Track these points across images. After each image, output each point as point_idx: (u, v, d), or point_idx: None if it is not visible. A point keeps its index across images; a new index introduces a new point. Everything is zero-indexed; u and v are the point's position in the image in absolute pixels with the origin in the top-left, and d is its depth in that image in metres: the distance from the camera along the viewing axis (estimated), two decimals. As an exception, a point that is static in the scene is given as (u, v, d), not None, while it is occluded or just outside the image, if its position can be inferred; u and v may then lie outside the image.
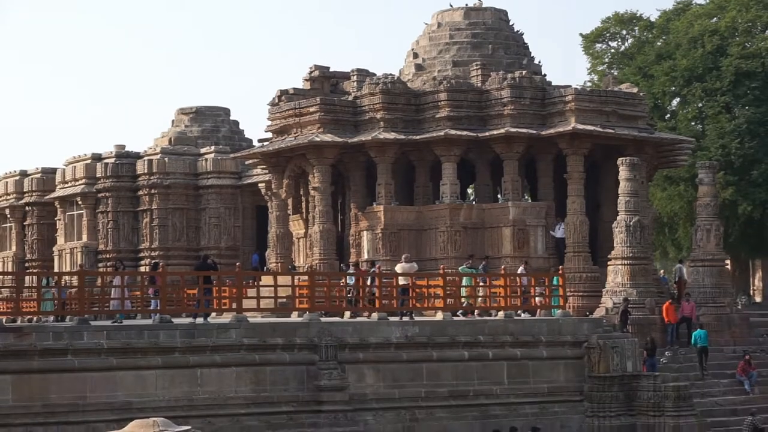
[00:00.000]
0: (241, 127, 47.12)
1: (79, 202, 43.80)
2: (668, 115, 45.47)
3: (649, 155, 34.17)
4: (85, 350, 19.72)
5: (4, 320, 21.74)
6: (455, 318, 26.11)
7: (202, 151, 42.69)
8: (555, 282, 27.25)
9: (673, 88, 44.72)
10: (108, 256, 40.63)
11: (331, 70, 36.70)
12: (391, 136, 31.67)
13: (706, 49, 43.43)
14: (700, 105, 43.73)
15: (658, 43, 47.76)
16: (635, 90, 36.50)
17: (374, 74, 35.54)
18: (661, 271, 39.34)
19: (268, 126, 36.82)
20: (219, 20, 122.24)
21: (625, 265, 29.21)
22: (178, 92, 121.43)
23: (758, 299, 46.21)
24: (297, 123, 34.52)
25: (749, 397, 27.43)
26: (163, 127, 48.18)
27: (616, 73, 43.20)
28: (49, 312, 22.59)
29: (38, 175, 48.35)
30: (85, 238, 42.82)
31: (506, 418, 23.45)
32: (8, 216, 49.01)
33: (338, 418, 21.87)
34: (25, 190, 48.25)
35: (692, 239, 33.85)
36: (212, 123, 44.87)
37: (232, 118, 46.32)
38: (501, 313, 26.41)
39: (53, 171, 45.87)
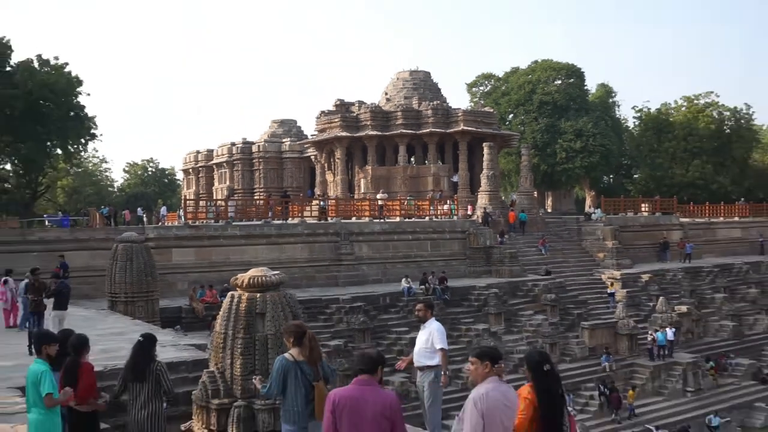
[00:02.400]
0: (302, 129, 60.20)
1: (225, 166, 58.06)
2: (508, 122, 58.12)
3: (498, 141, 46.24)
4: (229, 236, 29.70)
5: (190, 222, 31.95)
6: (405, 220, 36.85)
7: (284, 140, 56.36)
8: (452, 203, 39.97)
9: (509, 109, 58.93)
10: (238, 191, 53.74)
11: (345, 100, 48.23)
12: (374, 133, 45.09)
13: (525, 90, 57.96)
14: (522, 118, 57.27)
15: (503, 88, 60.62)
16: (491, 110, 49.31)
17: (366, 102, 48.14)
18: (513, 196, 47.10)
19: (315, 128, 49.09)
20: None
21: (486, 193, 40.36)
22: (272, 108, 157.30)
23: (549, 210, 57.40)
24: (329, 126, 46.98)
25: (544, 256, 38.84)
26: (263, 129, 61.25)
27: (482, 102, 55.75)
28: (211, 218, 32.95)
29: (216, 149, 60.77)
30: (227, 182, 56.99)
31: (429, 269, 32.47)
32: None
33: (349, 268, 32.29)
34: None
35: (519, 182, 45.52)
36: (288, 127, 58.69)
37: (297, 124, 59.78)
38: (426, 217, 37.98)
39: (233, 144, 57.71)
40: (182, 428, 9.87)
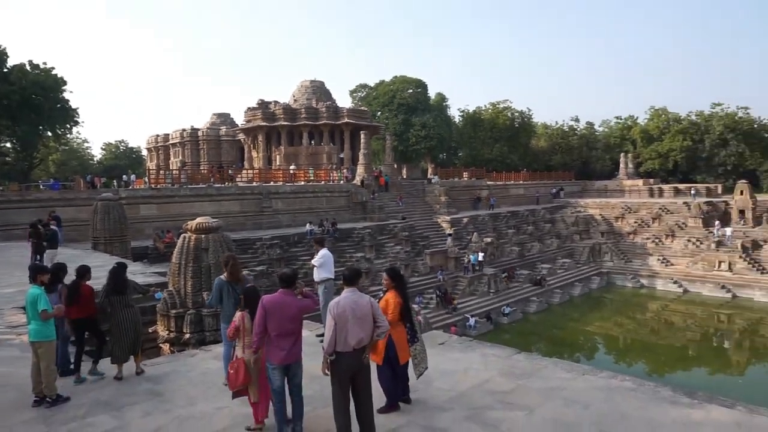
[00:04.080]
0: (234, 120, 56.46)
1: (178, 146, 54.57)
2: (377, 117, 55.86)
3: (371, 130, 45.95)
4: (182, 195, 28.64)
5: (153, 186, 30.38)
6: (308, 183, 36.67)
7: (221, 128, 53.75)
8: (340, 172, 39.47)
9: (378, 108, 57.78)
10: (188, 164, 50.04)
11: (265, 100, 46.43)
12: (285, 123, 44.01)
13: (388, 96, 57.51)
14: (386, 114, 56.69)
15: (374, 94, 59.74)
16: (366, 109, 49.48)
17: (279, 102, 46.73)
18: (380, 167, 43.33)
19: (244, 119, 47.21)
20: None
21: (363, 165, 38.86)
22: (213, 103, 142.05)
23: (404, 177, 51.77)
24: (253, 118, 45.20)
25: (401, 208, 38.23)
26: (206, 120, 56.82)
27: (360, 103, 55.98)
28: (169, 183, 31.45)
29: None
30: (180, 158, 53.37)
31: (324, 217, 32.36)
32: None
33: (269, 217, 31.96)
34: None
35: (384, 158, 44.72)
36: (224, 118, 55.92)
37: (231, 116, 56.87)
38: (323, 181, 38.15)
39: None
40: (149, 330, 9.59)
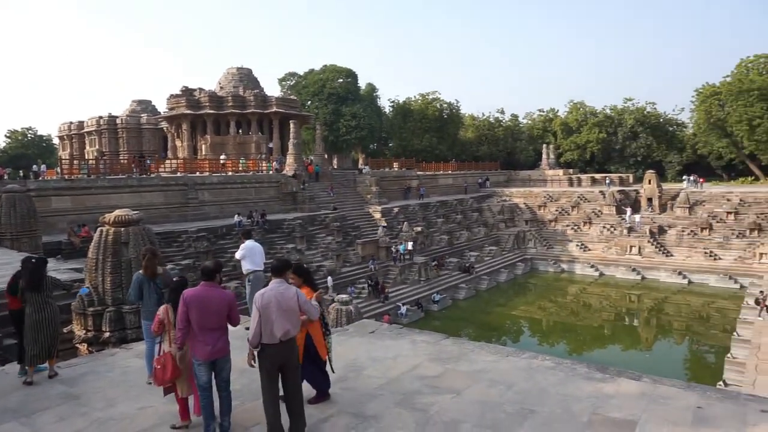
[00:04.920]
0: (156, 107, 54.28)
1: (94, 134, 51.43)
2: (307, 107, 55.46)
3: (300, 120, 44.61)
4: (99, 187, 27.08)
5: (66, 176, 27.71)
6: (236, 174, 35.19)
7: (142, 115, 51.08)
8: (269, 162, 38.55)
9: (308, 97, 56.95)
10: (106, 154, 46.86)
11: (189, 87, 44.23)
12: (212, 111, 42.31)
13: (318, 85, 56.61)
14: (317, 104, 55.97)
15: (303, 83, 58.85)
16: (295, 98, 48.37)
17: (205, 89, 44.94)
18: (311, 157, 43.08)
19: (167, 106, 44.92)
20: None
21: (293, 155, 37.64)
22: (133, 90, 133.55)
23: (335, 167, 52.95)
24: (177, 105, 43.09)
25: (332, 198, 37.50)
26: (125, 107, 56.89)
27: (290, 92, 54.59)
28: (84, 173, 28.80)
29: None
30: (97, 147, 50.52)
31: (253, 208, 31.64)
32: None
33: (195, 209, 30.81)
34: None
35: (315, 148, 44.05)
36: (145, 105, 53.59)
37: (153, 103, 54.57)
38: (251, 171, 36.80)
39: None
40: (65, 331, 9.02)
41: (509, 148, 71.41)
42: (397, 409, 5.30)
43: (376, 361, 6.71)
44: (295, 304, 4.72)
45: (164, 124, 47.71)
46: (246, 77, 46.55)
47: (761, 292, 26.48)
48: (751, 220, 37.34)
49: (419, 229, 37.58)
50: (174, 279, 5.73)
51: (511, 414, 5.10)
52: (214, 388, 4.90)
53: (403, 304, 29.49)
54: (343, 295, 22.19)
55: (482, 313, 31.62)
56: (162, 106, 48.69)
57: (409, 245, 34.07)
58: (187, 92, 43.39)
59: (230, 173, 35.39)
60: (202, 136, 43.93)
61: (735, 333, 22.73)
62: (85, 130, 53.09)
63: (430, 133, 64.78)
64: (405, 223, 36.64)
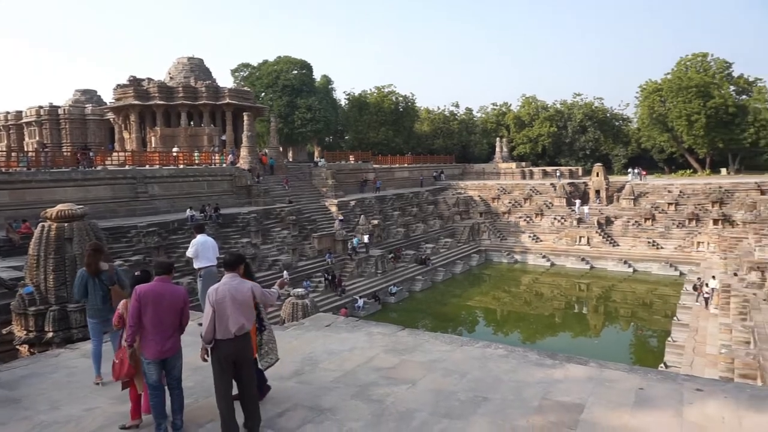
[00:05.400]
0: (102, 97, 52.69)
1: (34, 125, 49.25)
2: (261, 99, 54.31)
3: (254, 112, 43.33)
4: (40, 180, 25.62)
5: (3, 169, 25.62)
6: (188, 167, 34.57)
7: (87, 105, 49.20)
8: (222, 155, 37.37)
9: (262, 89, 55.78)
10: (48, 146, 42.56)
11: (137, 76, 42.88)
12: (161, 102, 40.95)
13: (272, 77, 55.71)
14: (271, 96, 55.12)
15: (257, 74, 57.46)
16: (249, 90, 47.35)
17: (154, 79, 43.74)
18: (265, 150, 41.08)
19: (113, 97, 43.30)
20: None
21: (246, 148, 37.30)
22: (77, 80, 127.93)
23: (290, 160, 53.43)
24: (124, 96, 41.49)
25: (287, 191, 37.06)
26: (68, 97, 55.01)
27: (243, 84, 53.37)
28: (23, 166, 27.35)
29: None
30: (37, 138, 48.26)
31: (207, 202, 30.92)
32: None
33: (145, 203, 29.58)
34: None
35: (269, 140, 42.28)
36: (90, 95, 51.17)
37: (98, 93, 52.46)
38: (203, 165, 35.76)
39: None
40: (3, 332, 8.61)
41: (464, 141, 72.43)
42: (353, 401, 5.33)
43: (332, 354, 6.70)
44: (250, 298, 4.67)
45: (111, 115, 46.09)
46: (197, 68, 45.36)
47: (699, 278, 28.02)
48: (690, 211, 39.24)
49: (376, 222, 37.64)
50: (135, 273, 5.52)
51: (464, 402, 5.20)
52: (167, 387, 4.79)
53: (360, 297, 29.51)
54: (299, 289, 21.90)
55: (438, 304, 32.03)
56: (108, 97, 47.17)
57: (365, 238, 34.07)
58: (135, 82, 41.93)
59: (182, 166, 34.47)
60: (152, 127, 42.55)
61: (675, 318, 23.98)
62: (24, 120, 50.65)
63: (386, 126, 64.90)
64: (362, 216, 36.61)
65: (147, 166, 33.13)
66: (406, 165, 55.89)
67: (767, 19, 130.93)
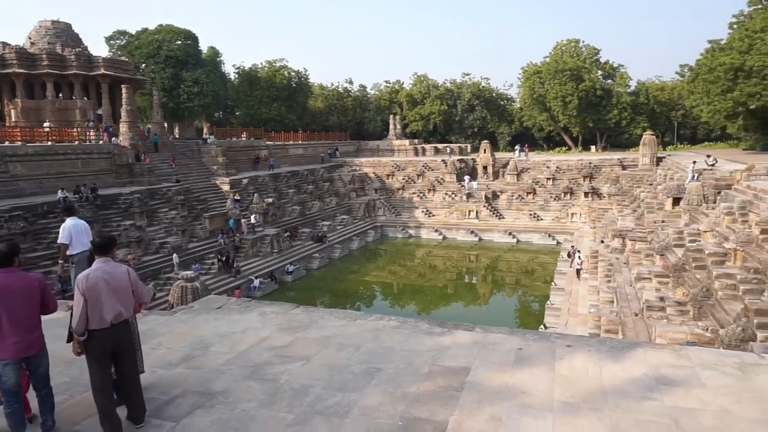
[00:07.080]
0: None
1: None
2: (141, 70, 50.40)
3: (134, 84, 40.48)
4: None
5: None
6: (58, 144, 31.46)
7: None
8: (97, 131, 34.78)
9: (142, 60, 51.79)
10: None
11: None
12: (21, 71, 36.70)
13: (154, 46, 51.15)
14: (153, 67, 51.01)
15: (135, 43, 52.77)
16: (127, 60, 43.22)
17: (10, 44, 38.69)
18: (149, 126, 40.22)
19: None
20: None
21: (126, 123, 34.43)
22: None
23: (177, 137, 49.08)
24: None
25: (174, 169, 35.39)
26: None
27: (120, 53, 48.63)
28: None
29: None
30: None
31: (82, 182, 28.52)
32: None
33: (6, 185, 26.51)
34: None
35: (152, 115, 40.59)
36: None
37: None
38: (77, 141, 32.68)
39: None
40: None
41: (358, 118, 72.80)
42: (246, 382, 5.24)
43: (223, 337, 6.52)
44: (128, 283, 4.36)
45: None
46: (64, 33, 40.83)
47: (572, 246, 30.75)
48: (565, 185, 42.76)
49: (270, 200, 37.00)
50: None
51: (358, 374, 5.31)
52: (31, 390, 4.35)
53: (256, 277, 29.01)
54: (188, 272, 21.06)
55: (336, 281, 32.34)
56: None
57: (252, 218, 33.37)
58: (-14, 46, 36.67)
59: (50, 143, 31.46)
60: (11, 99, 38.01)
61: (553, 283, 26.19)
62: None
63: (279, 102, 63.41)
64: (255, 194, 35.77)
65: (7, 143, 29.84)
66: (300, 142, 55.52)
67: (631, 9, 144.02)
